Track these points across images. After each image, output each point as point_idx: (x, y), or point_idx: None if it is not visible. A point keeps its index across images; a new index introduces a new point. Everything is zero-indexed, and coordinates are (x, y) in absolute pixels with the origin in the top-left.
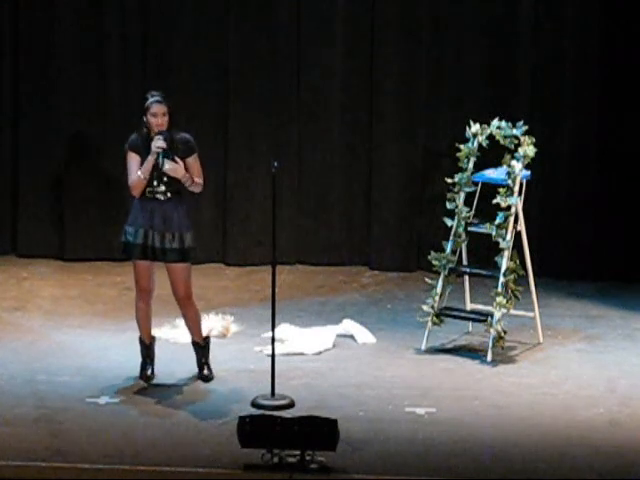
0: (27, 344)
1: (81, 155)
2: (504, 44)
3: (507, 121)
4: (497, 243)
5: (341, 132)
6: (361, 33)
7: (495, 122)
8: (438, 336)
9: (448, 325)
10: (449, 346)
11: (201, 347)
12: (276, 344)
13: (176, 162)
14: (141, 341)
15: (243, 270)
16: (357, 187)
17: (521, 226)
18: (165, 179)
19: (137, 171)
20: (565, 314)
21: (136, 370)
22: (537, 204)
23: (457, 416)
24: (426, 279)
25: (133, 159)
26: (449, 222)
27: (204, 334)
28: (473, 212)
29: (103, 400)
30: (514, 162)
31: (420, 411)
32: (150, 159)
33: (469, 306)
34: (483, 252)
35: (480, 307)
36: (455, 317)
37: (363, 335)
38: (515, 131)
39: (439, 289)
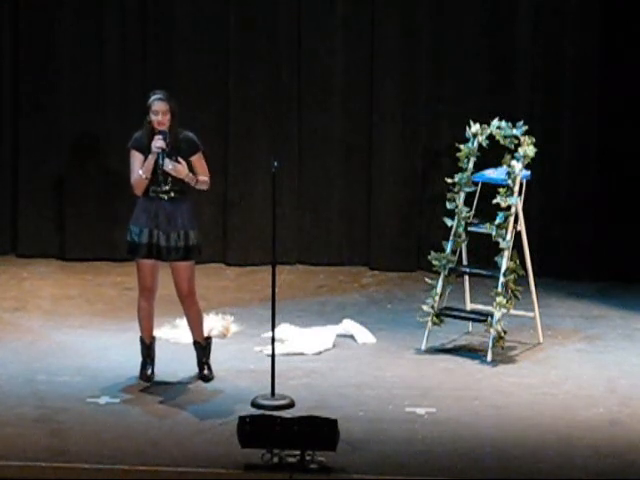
0: (27, 344)
1: (81, 155)
2: (504, 44)
3: (507, 121)
4: (497, 243)
5: (341, 132)
6: (361, 33)
7: (495, 122)
8: (438, 336)
9: (448, 325)
10: (449, 346)
11: (202, 347)
12: (276, 344)
13: (179, 162)
14: (142, 341)
15: (243, 270)
16: (357, 187)
17: (521, 226)
18: (169, 179)
19: (139, 170)
20: (565, 314)
21: (136, 370)
22: (537, 204)
23: (457, 416)
24: (426, 279)
25: (136, 158)
26: (449, 222)
27: (205, 334)
28: (473, 212)
29: (103, 400)
30: (514, 162)
31: (420, 411)
32: (150, 159)
33: (469, 306)
34: (483, 252)
35: (480, 307)
36: (455, 317)
37: (363, 335)
38: (515, 131)
39: (439, 289)
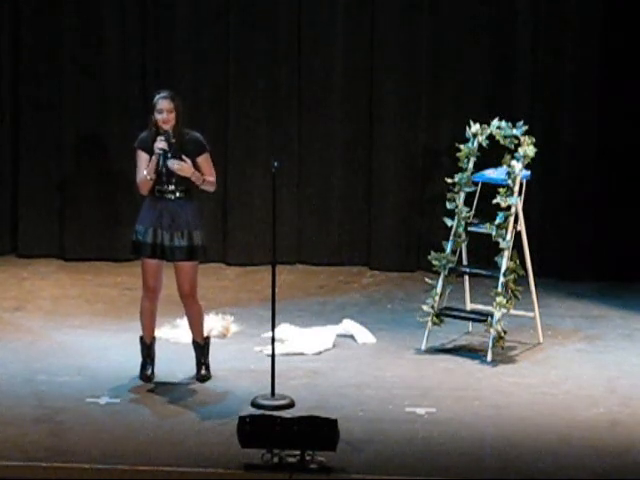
0: (27, 344)
1: (81, 155)
2: (504, 44)
3: (507, 121)
4: (497, 243)
5: (341, 132)
6: (361, 33)
7: (495, 122)
8: (438, 336)
9: (448, 325)
10: (449, 346)
11: (200, 347)
12: (276, 344)
13: (184, 161)
14: (142, 341)
15: (243, 270)
16: (357, 187)
17: (521, 226)
18: (173, 179)
19: (144, 170)
20: (565, 314)
21: (136, 370)
22: (537, 204)
23: (457, 416)
24: (426, 279)
25: (141, 158)
26: (449, 222)
27: (205, 334)
28: (473, 212)
29: (103, 400)
30: (514, 162)
31: (420, 411)
32: (154, 159)
33: (469, 306)
34: (483, 252)
35: (480, 307)
36: (455, 317)
37: (363, 335)
38: (515, 131)
39: (439, 289)
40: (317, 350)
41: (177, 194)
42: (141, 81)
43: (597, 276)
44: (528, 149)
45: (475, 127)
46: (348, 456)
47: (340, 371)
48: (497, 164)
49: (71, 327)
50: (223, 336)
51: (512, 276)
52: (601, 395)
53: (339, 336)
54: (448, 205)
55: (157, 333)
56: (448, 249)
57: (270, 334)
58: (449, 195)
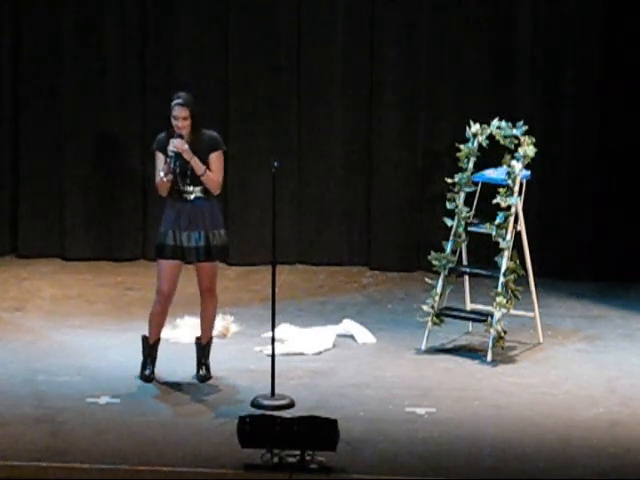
0: (27, 344)
1: (81, 155)
2: (504, 44)
3: (507, 121)
4: (497, 243)
5: (341, 132)
6: (361, 33)
7: (495, 122)
8: (438, 336)
9: (448, 325)
10: (449, 346)
11: (202, 346)
12: (276, 344)
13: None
14: (145, 340)
15: (243, 270)
16: (357, 187)
17: (521, 226)
18: (189, 179)
19: (160, 172)
20: (565, 314)
21: (136, 370)
22: (537, 204)
23: (457, 416)
24: (426, 279)
25: (159, 159)
26: (449, 222)
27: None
28: (473, 212)
29: (103, 400)
30: (514, 162)
31: (420, 411)
32: (169, 161)
33: (469, 306)
34: (483, 252)
35: (480, 307)
36: (455, 317)
37: (363, 335)
38: (515, 131)
39: (439, 289)
40: (317, 350)
41: (195, 194)
42: (141, 81)
43: (597, 276)
44: (528, 149)
45: (475, 127)
46: (348, 456)
47: (340, 371)
48: (497, 164)
49: (71, 327)
50: (223, 336)
51: (512, 276)
52: (601, 395)
53: (339, 336)
54: (448, 205)
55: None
56: (448, 249)
57: (270, 334)
58: (449, 195)
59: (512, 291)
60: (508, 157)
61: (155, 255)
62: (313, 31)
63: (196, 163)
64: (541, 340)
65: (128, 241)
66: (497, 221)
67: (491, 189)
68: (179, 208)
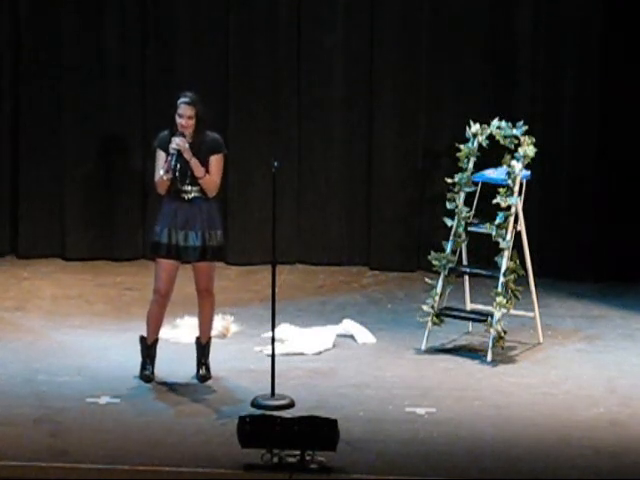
0: (27, 344)
1: (81, 155)
2: (504, 44)
3: (507, 121)
4: (497, 243)
5: (341, 132)
6: (361, 33)
7: (495, 122)
8: (438, 336)
9: (448, 325)
10: (449, 346)
11: (202, 346)
12: (276, 344)
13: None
14: (143, 341)
15: (243, 270)
16: (357, 187)
17: (521, 226)
18: (188, 179)
19: (161, 170)
20: (565, 314)
21: (136, 370)
22: (537, 204)
23: (457, 416)
24: (426, 279)
25: (160, 157)
26: (449, 222)
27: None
28: (473, 212)
29: (103, 400)
30: (514, 162)
31: (420, 411)
32: (170, 160)
33: (469, 306)
34: (483, 252)
35: (480, 307)
36: (455, 317)
37: (363, 335)
38: (515, 131)
39: (439, 289)
40: (317, 350)
41: (193, 194)
42: (141, 81)
43: (597, 276)
44: (528, 149)
45: (475, 127)
46: (348, 456)
47: (340, 371)
48: (497, 164)
49: (71, 327)
50: (223, 336)
51: (512, 276)
52: (601, 395)
53: (339, 336)
54: (448, 205)
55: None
56: (448, 249)
57: (270, 334)
58: (449, 195)
59: (512, 291)
60: (508, 157)
61: (150, 252)
62: (313, 31)
63: (195, 164)
64: (541, 340)
65: (128, 241)
66: (497, 221)
67: (491, 189)
68: (177, 207)
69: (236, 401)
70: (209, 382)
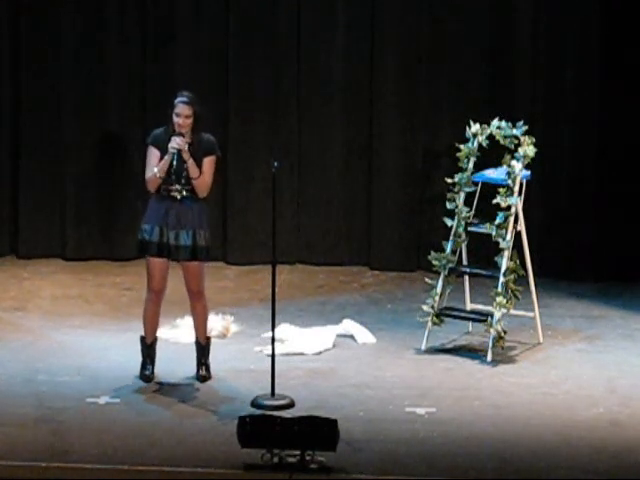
0: (27, 344)
1: (81, 155)
2: (504, 44)
3: (507, 121)
4: (497, 243)
5: (341, 132)
6: (361, 34)
7: (495, 122)
8: (438, 336)
9: (448, 325)
10: (449, 346)
11: (201, 346)
12: (276, 344)
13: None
14: (143, 340)
15: (243, 270)
16: (357, 187)
17: (521, 226)
18: (183, 179)
19: (154, 167)
20: (565, 314)
21: (136, 370)
22: (537, 204)
23: (457, 416)
24: (426, 279)
25: (152, 154)
26: (449, 222)
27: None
28: (473, 212)
29: (103, 400)
30: (514, 162)
31: (420, 411)
32: (167, 158)
33: (469, 306)
34: (483, 252)
35: (480, 307)
36: (455, 317)
37: (363, 335)
38: (515, 131)
39: (439, 289)
40: (317, 350)
41: (183, 193)
42: (141, 81)
43: (597, 276)
44: (528, 149)
45: (475, 127)
46: (348, 456)
47: (340, 371)
48: (497, 164)
49: (71, 327)
50: (223, 336)
51: (512, 276)
52: (601, 395)
53: (339, 336)
54: (448, 205)
55: (157, 333)
56: (448, 249)
57: (270, 334)
58: (449, 195)
59: (512, 291)
60: (508, 157)
61: (138, 250)
62: (313, 31)
63: (192, 164)
64: (541, 340)
65: (128, 241)
66: (497, 221)
67: (491, 189)
68: (167, 206)
69: (236, 401)
70: (209, 382)
